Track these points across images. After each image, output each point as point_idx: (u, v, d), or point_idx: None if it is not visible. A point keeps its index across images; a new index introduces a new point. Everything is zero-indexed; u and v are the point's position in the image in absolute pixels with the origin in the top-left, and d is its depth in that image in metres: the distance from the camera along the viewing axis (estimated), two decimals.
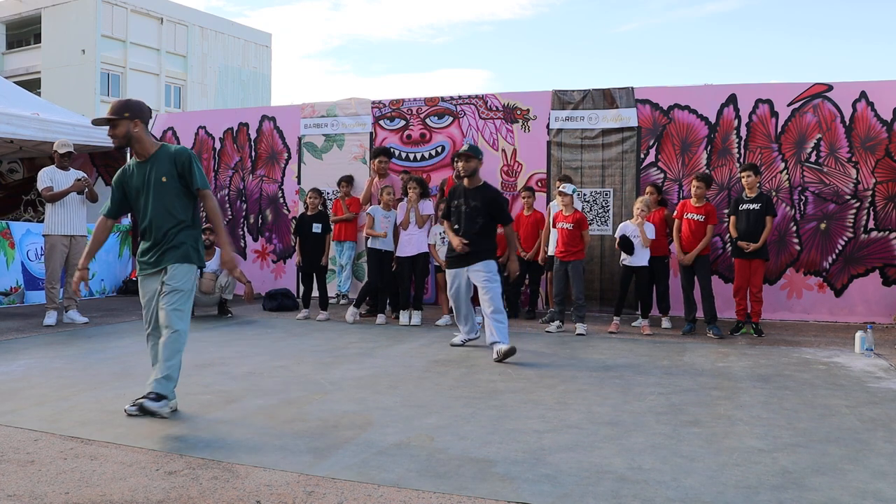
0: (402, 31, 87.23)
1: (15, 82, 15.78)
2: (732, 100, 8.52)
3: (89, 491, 2.81)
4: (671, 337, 7.12)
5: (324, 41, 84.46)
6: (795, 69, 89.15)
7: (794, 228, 8.35)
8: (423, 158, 9.65)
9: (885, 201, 8.11)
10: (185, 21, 37.05)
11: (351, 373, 5.11)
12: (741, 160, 8.39)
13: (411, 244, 7.60)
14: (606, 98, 8.86)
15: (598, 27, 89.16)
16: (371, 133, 9.89)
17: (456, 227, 6.14)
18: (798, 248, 8.34)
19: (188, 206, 4.00)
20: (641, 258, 7.29)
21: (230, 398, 4.32)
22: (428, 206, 7.68)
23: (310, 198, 8.26)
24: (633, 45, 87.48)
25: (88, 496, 2.76)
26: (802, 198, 8.32)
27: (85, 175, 7.79)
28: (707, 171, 8.42)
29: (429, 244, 7.62)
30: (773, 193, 8.28)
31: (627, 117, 8.77)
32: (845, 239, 8.22)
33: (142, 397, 3.77)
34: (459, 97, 9.54)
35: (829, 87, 8.27)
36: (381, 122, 9.86)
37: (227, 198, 10.66)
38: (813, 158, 8.29)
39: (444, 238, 7.16)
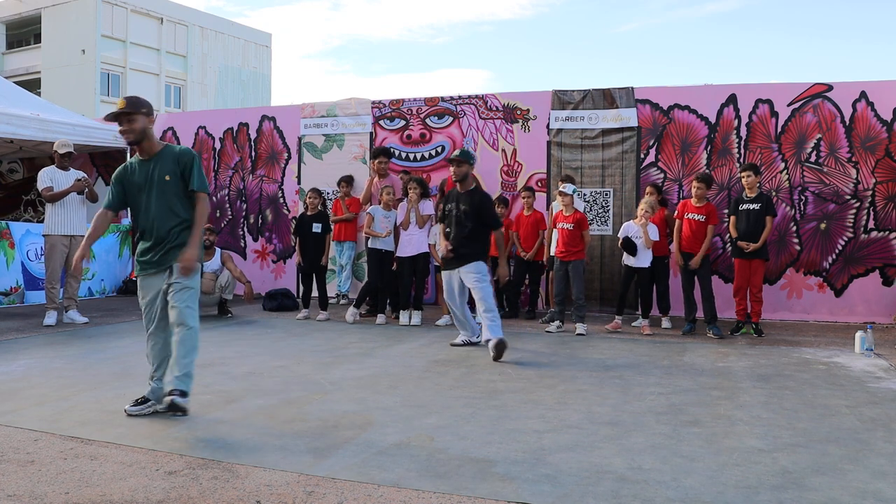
0: (402, 31, 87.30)
1: (15, 82, 15.76)
2: (732, 100, 8.52)
3: (89, 491, 2.81)
4: (671, 337, 7.12)
5: (324, 41, 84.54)
6: (795, 69, 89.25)
7: (794, 228, 8.34)
8: (423, 158, 9.65)
9: (885, 201, 8.10)
10: (185, 21, 37.05)
11: (351, 373, 5.11)
12: (741, 160, 8.39)
13: (411, 244, 7.60)
14: (606, 98, 8.86)
15: (598, 27, 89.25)
16: (371, 133, 9.89)
17: (448, 230, 6.20)
18: (798, 248, 8.34)
19: (189, 205, 4.01)
20: (644, 259, 7.29)
21: (230, 398, 4.32)
22: (428, 207, 7.68)
23: (310, 198, 8.26)
24: (633, 45, 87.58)
25: (88, 496, 2.76)
26: (802, 198, 8.31)
27: (85, 175, 7.80)
28: (707, 171, 8.41)
29: (429, 244, 7.62)
30: (773, 193, 8.28)
31: (627, 117, 8.77)
32: (845, 239, 8.21)
33: (167, 395, 3.79)
34: (459, 97, 9.53)
35: (829, 87, 8.27)
36: (381, 122, 9.85)
37: (227, 198, 10.66)
38: (813, 158, 8.29)
39: None
